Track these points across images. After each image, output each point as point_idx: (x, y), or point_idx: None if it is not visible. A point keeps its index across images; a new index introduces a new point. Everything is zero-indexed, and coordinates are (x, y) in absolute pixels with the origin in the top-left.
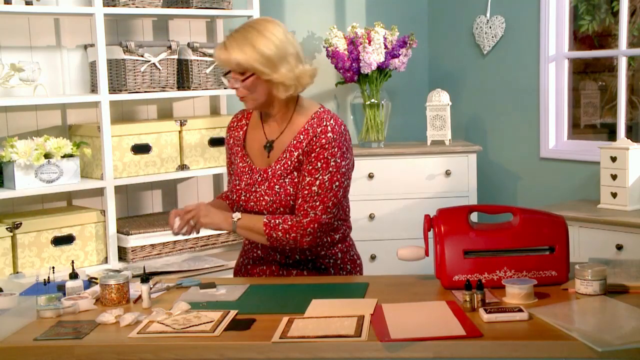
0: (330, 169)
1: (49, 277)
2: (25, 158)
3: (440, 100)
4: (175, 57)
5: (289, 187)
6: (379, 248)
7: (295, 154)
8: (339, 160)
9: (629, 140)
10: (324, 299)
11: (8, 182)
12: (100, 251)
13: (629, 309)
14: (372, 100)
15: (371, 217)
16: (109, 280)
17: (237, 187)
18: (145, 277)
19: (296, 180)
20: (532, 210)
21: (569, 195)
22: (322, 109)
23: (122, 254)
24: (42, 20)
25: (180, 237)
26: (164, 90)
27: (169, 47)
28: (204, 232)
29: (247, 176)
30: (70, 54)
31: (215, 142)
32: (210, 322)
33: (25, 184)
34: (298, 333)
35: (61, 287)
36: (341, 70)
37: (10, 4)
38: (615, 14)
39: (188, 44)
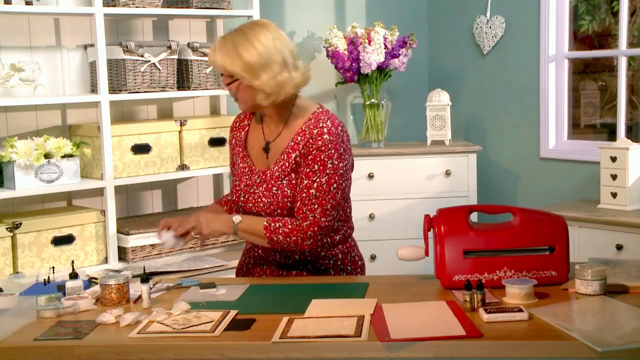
0: (328, 171)
1: (49, 277)
2: (25, 158)
3: (440, 100)
4: (175, 57)
5: (286, 189)
6: (379, 248)
7: (293, 155)
8: (336, 162)
9: (629, 140)
10: (324, 299)
11: (8, 182)
12: (100, 251)
13: (629, 309)
14: (372, 100)
15: (371, 217)
16: (109, 280)
17: (237, 188)
18: (145, 277)
19: (294, 182)
20: (532, 210)
21: (569, 195)
22: (320, 110)
23: (122, 254)
24: (42, 20)
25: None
26: (164, 90)
27: (169, 47)
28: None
29: (247, 177)
30: (70, 54)
31: (215, 142)
32: (210, 322)
33: (25, 184)
34: (298, 333)
35: (61, 287)
36: (341, 70)
37: (10, 4)
38: (615, 14)
39: (188, 44)
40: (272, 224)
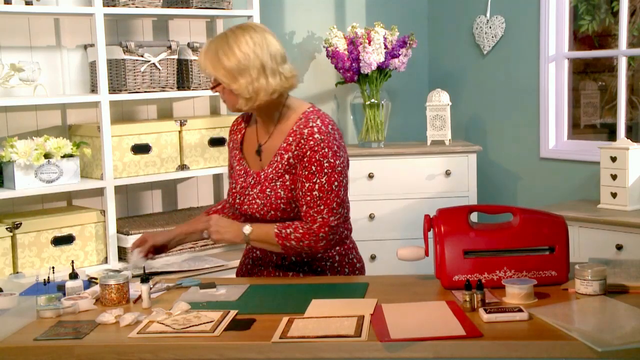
0: (326, 170)
1: (49, 277)
2: (25, 158)
3: (440, 100)
4: (175, 57)
5: (279, 191)
6: (379, 248)
7: (286, 156)
8: (332, 160)
9: (629, 140)
10: (324, 299)
11: (8, 182)
12: (100, 251)
13: (629, 309)
14: (372, 100)
15: (371, 217)
16: (109, 280)
17: (233, 190)
18: (145, 277)
19: (287, 183)
20: (532, 210)
21: (569, 195)
22: (310, 109)
23: (122, 254)
24: (42, 20)
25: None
26: (163, 90)
27: (169, 47)
28: None
29: (242, 179)
30: (70, 54)
31: (215, 142)
32: (210, 322)
33: (25, 184)
34: (298, 333)
35: (61, 287)
36: (341, 70)
37: (10, 4)
38: (615, 14)
39: (188, 44)
40: (283, 231)
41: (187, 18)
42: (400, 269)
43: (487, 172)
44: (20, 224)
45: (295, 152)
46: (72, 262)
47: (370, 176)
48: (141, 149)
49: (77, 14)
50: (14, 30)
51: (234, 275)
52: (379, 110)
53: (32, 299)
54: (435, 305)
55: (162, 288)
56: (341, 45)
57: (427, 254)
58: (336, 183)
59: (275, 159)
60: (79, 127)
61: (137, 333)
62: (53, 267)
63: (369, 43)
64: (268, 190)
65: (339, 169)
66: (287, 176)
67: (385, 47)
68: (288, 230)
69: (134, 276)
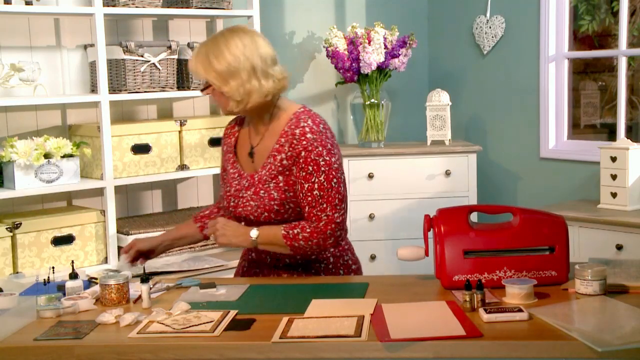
0: (323, 168)
1: (49, 277)
2: (25, 158)
3: (440, 100)
4: (175, 57)
5: (273, 192)
6: (379, 248)
7: (279, 157)
8: (327, 158)
9: (629, 140)
10: (324, 299)
11: (8, 182)
12: (100, 251)
13: (629, 309)
14: (372, 100)
15: (371, 217)
16: (109, 280)
17: (228, 193)
18: (145, 277)
19: (281, 184)
20: (532, 210)
21: (569, 195)
22: (301, 110)
23: None
24: (42, 20)
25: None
26: (163, 90)
27: (169, 47)
28: None
29: (236, 182)
30: (70, 54)
31: (215, 142)
32: (210, 322)
33: (25, 184)
34: (298, 333)
35: (61, 287)
36: (341, 70)
37: (10, 4)
38: (615, 14)
39: (188, 44)
40: (291, 232)
41: (187, 18)
42: (400, 269)
43: (487, 172)
44: (20, 224)
45: (289, 154)
46: (72, 262)
47: (370, 176)
48: (141, 149)
49: (77, 14)
50: (14, 30)
51: (233, 276)
52: (379, 110)
53: (32, 299)
54: (435, 305)
55: (162, 288)
56: (341, 45)
57: (427, 254)
58: (335, 180)
59: (269, 160)
60: (79, 127)
61: (137, 333)
62: (53, 267)
63: (369, 43)
64: (262, 192)
65: (336, 165)
66: (280, 177)
67: (385, 47)
68: (295, 231)
69: (134, 276)
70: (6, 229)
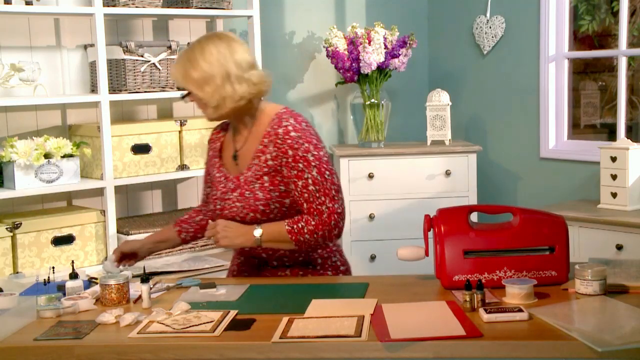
0: (313, 163)
1: (49, 277)
2: (25, 158)
3: (440, 100)
4: (175, 57)
5: (258, 192)
6: (379, 248)
7: (263, 158)
8: (315, 152)
9: (629, 140)
10: (324, 299)
11: (8, 182)
12: (100, 251)
13: (629, 309)
14: (372, 100)
15: (371, 217)
16: (109, 280)
17: (214, 197)
18: (145, 277)
19: (266, 184)
20: (532, 210)
21: (569, 195)
22: (283, 110)
23: None
24: (42, 20)
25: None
26: (164, 90)
27: (169, 47)
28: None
29: (222, 185)
30: (70, 54)
31: None
32: (210, 322)
33: (25, 184)
34: (298, 333)
35: (61, 287)
36: (341, 70)
37: (10, 4)
38: (615, 14)
39: (188, 44)
40: (295, 226)
41: (187, 18)
42: (400, 269)
43: (487, 172)
44: (20, 224)
45: (274, 154)
46: (72, 262)
47: (370, 176)
48: (141, 149)
49: (77, 14)
50: (14, 30)
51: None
52: (379, 110)
53: (32, 299)
54: (435, 305)
55: (162, 288)
56: (341, 45)
57: (427, 254)
58: (327, 172)
59: (253, 162)
60: (79, 127)
61: (137, 333)
62: (53, 267)
63: (369, 43)
64: (247, 192)
65: (325, 158)
66: (265, 178)
67: (385, 47)
68: (300, 225)
69: (134, 276)
70: (6, 229)
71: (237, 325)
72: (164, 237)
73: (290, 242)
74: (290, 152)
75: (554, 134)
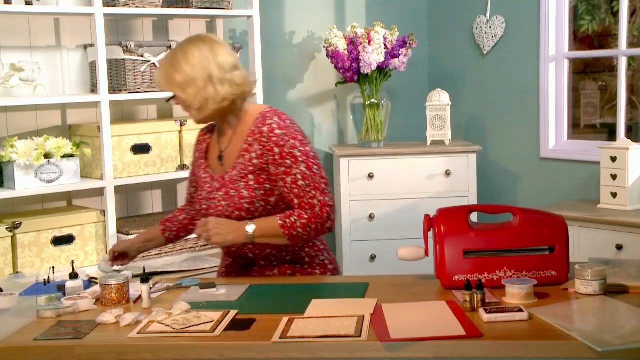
0: (301, 158)
1: (49, 277)
2: (25, 158)
3: (440, 100)
4: None
5: (243, 191)
6: (379, 248)
7: (248, 157)
8: (302, 148)
9: (629, 140)
10: (324, 299)
11: (8, 182)
12: (100, 251)
13: (629, 309)
14: (372, 100)
15: (371, 217)
16: (109, 280)
17: (200, 197)
18: (145, 277)
19: (251, 183)
20: (532, 210)
21: (569, 195)
22: (267, 109)
23: None
24: (42, 20)
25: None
26: (164, 90)
27: (169, 47)
28: None
29: (208, 185)
30: (70, 54)
31: None
32: (210, 322)
33: (25, 184)
34: (298, 333)
35: (61, 287)
36: (341, 70)
37: (10, 4)
38: (615, 14)
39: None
40: (287, 220)
41: (187, 18)
42: (400, 269)
43: (487, 172)
44: (20, 224)
45: (260, 152)
46: (72, 262)
47: (370, 176)
48: (141, 149)
49: (77, 14)
50: (14, 30)
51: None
52: (379, 110)
53: (32, 299)
54: (435, 305)
55: (162, 288)
56: (341, 45)
57: (427, 254)
58: (315, 167)
59: (238, 160)
60: (79, 127)
61: (137, 333)
62: (53, 267)
63: (369, 43)
64: (232, 191)
65: (312, 153)
66: (251, 177)
67: (385, 47)
68: (292, 219)
69: (134, 276)
70: (6, 229)
71: (237, 325)
72: (151, 236)
73: (283, 237)
74: (276, 150)
75: (554, 134)
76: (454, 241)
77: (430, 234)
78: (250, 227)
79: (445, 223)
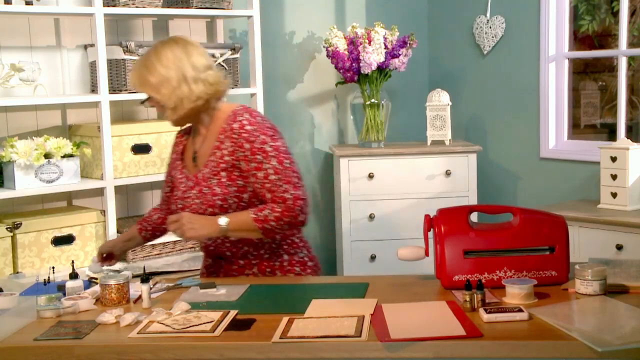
0: (271, 153)
1: (49, 277)
2: (25, 158)
3: (440, 100)
4: None
5: (215, 188)
6: (379, 248)
7: (219, 154)
8: (273, 143)
9: (629, 140)
10: (324, 299)
11: (8, 182)
12: None
13: (629, 309)
14: (372, 100)
15: (371, 217)
16: (109, 280)
17: (176, 197)
18: (145, 277)
19: (223, 180)
20: (532, 210)
21: (569, 195)
22: (239, 107)
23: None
24: (42, 20)
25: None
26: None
27: None
28: None
29: (183, 185)
30: (70, 54)
31: None
32: (210, 322)
33: (25, 184)
34: (298, 333)
35: (61, 287)
36: (341, 70)
37: (10, 4)
38: (615, 14)
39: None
40: (260, 214)
41: (187, 18)
42: (400, 269)
43: (487, 172)
44: (20, 224)
45: (231, 149)
46: (72, 262)
47: (370, 176)
48: (141, 149)
49: (77, 14)
50: (14, 30)
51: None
52: (379, 110)
53: (32, 299)
54: (435, 305)
55: (162, 288)
56: (341, 45)
57: (427, 254)
58: (287, 161)
59: (211, 158)
60: (79, 127)
61: (137, 333)
62: (53, 267)
63: (369, 43)
64: (205, 189)
65: (283, 148)
66: (223, 174)
67: (385, 47)
68: (265, 212)
69: (134, 276)
70: (6, 229)
71: (237, 325)
72: (130, 235)
73: (257, 231)
74: (246, 146)
75: (554, 134)
76: (454, 241)
77: (430, 234)
78: (223, 220)
79: (445, 223)
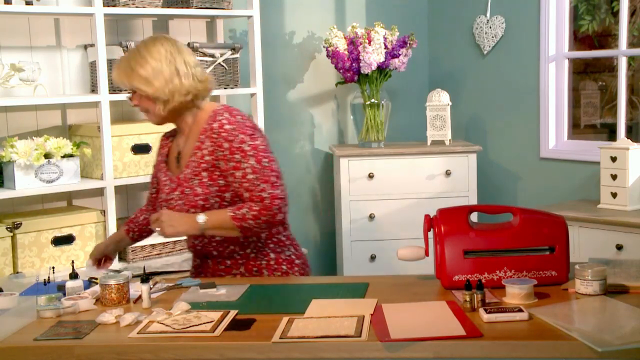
0: (250, 152)
1: (49, 277)
2: (25, 158)
3: (440, 100)
4: None
5: (197, 188)
6: (379, 248)
7: (199, 154)
8: (251, 142)
9: (629, 140)
10: (324, 299)
11: (8, 182)
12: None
13: (629, 309)
14: (372, 100)
15: (371, 217)
16: (109, 280)
17: (160, 200)
18: (145, 277)
19: (204, 180)
20: (532, 210)
21: (569, 195)
22: (220, 107)
23: (122, 254)
24: (42, 20)
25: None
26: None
27: None
28: None
29: (167, 187)
30: (70, 54)
31: None
32: (210, 322)
33: (25, 184)
34: (298, 333)
35: (61, 287)
36: (341, 70)
37: (10, 4)
38: (615, 14)
39: (188, 44)
40: (238, 212)
41: (187, 18)
42: (400, 269)
43: (487, 172)
44: (20, 224)
45: (211, 148)
46: (72, 262)
47: (370, 176)
48: (141, 149)
49: (77, 14)
50: (14, 30)
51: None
52: (379, 110)
53: (32, 299)
54: (435, 305)
55: (162, 288)
56: (341, 45)
57: (427, 254)
58: (266, 160)
59: (191, 159)
60: (79, 127)
61: (137, 333)
62: (53, 267)
63: (369, 43)
64: (187, 189)
65: (262, 147)
66: (204, 174)
67: (385, 47)
68: (243, 211)
69: (134, 276)
70: (6, 229)
71: (237, 325)
72: (119, 237)
73: (235, 229)
74: (225, 145)
75: (554, 134)
76: (454, 241)
77: (430, 234)
78: (201, 218)
79: (445, 223)
